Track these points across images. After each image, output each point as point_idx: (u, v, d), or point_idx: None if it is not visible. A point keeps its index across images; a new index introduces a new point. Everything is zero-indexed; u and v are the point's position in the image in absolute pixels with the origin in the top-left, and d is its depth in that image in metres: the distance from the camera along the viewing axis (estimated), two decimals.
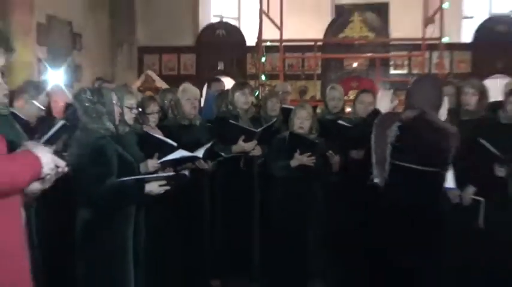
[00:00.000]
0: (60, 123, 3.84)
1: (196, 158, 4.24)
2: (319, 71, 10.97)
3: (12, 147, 2.41)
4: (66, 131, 3.82)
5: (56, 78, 7.91)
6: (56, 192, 2.67)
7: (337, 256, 5.11)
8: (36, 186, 2.29)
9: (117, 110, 3.55)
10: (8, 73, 7.30)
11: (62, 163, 2.29)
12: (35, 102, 4.11)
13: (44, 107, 4.10)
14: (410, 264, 3.30)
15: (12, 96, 4.12)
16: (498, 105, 5.35)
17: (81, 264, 3.43)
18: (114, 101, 3.51)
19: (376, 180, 3.43)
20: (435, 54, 9.26)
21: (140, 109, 4.26)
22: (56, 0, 9.44)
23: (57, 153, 2.61)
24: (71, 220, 3.46)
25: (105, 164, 3.30)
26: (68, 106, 4.32)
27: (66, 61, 9.41)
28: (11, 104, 4.04)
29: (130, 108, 3.90)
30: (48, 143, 3.39)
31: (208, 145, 4.36)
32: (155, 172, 3.88)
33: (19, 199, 2.28)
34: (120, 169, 3.35)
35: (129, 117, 3.89)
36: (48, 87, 4.48)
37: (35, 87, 4.16)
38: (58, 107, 4.37)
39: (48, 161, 2.21)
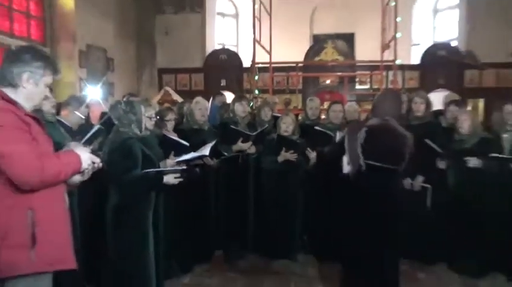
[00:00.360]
0: (96, 127, 3.85)
1: (204, 156, 4.21)
2: (300, 87, 11.00)
3: (58, 147, 2.42)
4: (101, 134, 3.82)
5: (94, 93, 7.92)
6: (93, 184, 2.71)
7: (315, 229, 5.14)
8: (77, 178, 2.31)
9: (144, 119, 3.56)
10: (56, 89, 7.38)
11: (97, 160, 2.31)
12: (77, 112, 4.10)
13: (84, 116, 4.09)
14: (375, 234, 3.29)
15: (59, 107, 4.14)
16: (440, 112, 5.41)
17: (111, 240, 3.44)
18: (142, 112, 3.52)
19: (345, 171, 3.40)
20: (391, 73, 9.31)
21: (158, 117, 4.28)
22: (93, 33, 9.45)
23: (94, 152, 2.63)
24: (104, 206, 3.48)
25: (132, 159, 3.32)
26: (103, 115, 4.31)
27: (102, 80, 9.41)
28: (58, 113, 4.04)
29: (150, 118, 3.92)
30: (86, 143, 3.41)
31: (212, 143, 4.34)
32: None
33: (63, 188, 2.29)
34: (144, 163, 3.37)
35: (149, 124, 3.91)
36: (88, 101, 4.48)
37: (77, 100, 4.14)
38: (95, 115, 4.36)
39: (86, 158, 2.23)
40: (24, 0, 7.93)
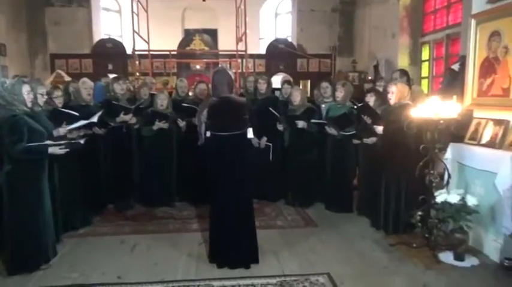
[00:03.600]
0: None
1: (92, 123, 4.00)
2: (175, 70, 10.64)
3: None
4: None
5: None
6: None
7: (188, 180, 5.10)
8: None
9: (28, 97, 3.15)
10: None
11: None
12: None
13: None
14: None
15: None
16: (278, 89, 5.61)
17: (7, 204, 3.08)
18: (25, 91, 3.11)
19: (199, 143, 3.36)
20: (244, 60, 9.39)
21: (48, 95, 3.85)
22: None
23: None
24: None
25: (18, 133, 2.98)
26: None
27: None
28: None
29: (42, 95, 3.52)
30: None
31: (99, 113, 4.10)
32: (64, 136, 3.59)
33: None
34: (31, 136, 3.04)
35: (41, 100, 3.52)
36: None
37: None
38: None
39: None
40: None
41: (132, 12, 8.55)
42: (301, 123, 4.73)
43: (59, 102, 4.07)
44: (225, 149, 3.26)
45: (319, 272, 3.21)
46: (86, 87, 4.48)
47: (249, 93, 5.19)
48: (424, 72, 7.94)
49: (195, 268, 3.31)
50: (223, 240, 3.31)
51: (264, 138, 4.90)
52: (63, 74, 9.06)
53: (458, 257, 3.34)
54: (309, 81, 10.85)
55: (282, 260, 3.44)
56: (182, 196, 5.17)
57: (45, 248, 3.26)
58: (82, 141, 3.50)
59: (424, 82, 7.86)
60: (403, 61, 8.14)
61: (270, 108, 4.80)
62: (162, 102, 4.83)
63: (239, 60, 9.57)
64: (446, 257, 3.38)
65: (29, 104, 3.15)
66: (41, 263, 3.22)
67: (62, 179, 3.72)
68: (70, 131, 3.70)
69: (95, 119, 3.94)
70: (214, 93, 3.38)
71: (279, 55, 10.97)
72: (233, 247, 3.29)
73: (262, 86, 5.06)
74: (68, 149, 3.24)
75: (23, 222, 3.10)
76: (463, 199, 3.37)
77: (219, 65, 10.73)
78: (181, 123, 4.84)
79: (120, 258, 3.52)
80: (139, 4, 8.72)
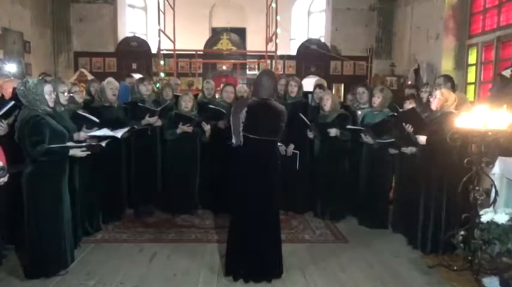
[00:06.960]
0: (11, 103, 3.54)
1: (115, 138, 3.87)
2: (200, 71, 10.80)
3: None
4: (17, 108, 3.49)
5: (10, 72, 7.14)
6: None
7: (210, 187, 5.14)
8: None
9: (50, 97, 3.24)
10: None
11: None
12: None
13: None
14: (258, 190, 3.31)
15: None
16: (310, 93, 5.60)
17: (26, 206, 3.19)
18: (47, 91, 3.20)
19: (233, 143, 3.35)
20: (273, 61, 9.41)
21: (71, 94, 3.96)
22: (10, 17, 8.45)
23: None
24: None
25: (38, 134, 3.09)
26: (15, 90, 3.89)
27: (19, 61, 8.51)
28: None
29: (63, 93, 3.63)
30: (2, 117, 3.20)
31: (127, 128, 4.14)
32: (84, 141, 3.64)
33: None
34: (53, 137, 3.16)
35: (63, 99, 3.63)
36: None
37: None
38: (8, 92, 3.92)
39: None
40: None
41: (159, 9, 8.73)
42: (333, 132, 4.69)
43: (79, 97, 4.18)
44: (258, 154, 3.27)
45: None
46: (111, 88, 4.57)
47: (279, 97, 5.19)
48: (471, 77, 7.72)
49: (216, 282, 3.33)
50: (245, 251, 3.30)
51: (291, 146, 4.89)
52: (86, 73, 9.34)
53: (505, 283, 3.21)
54: (342, 85, 10.79)
55: (309, 278, 3.42)
56: (204, 204, 5.21)
57: (64, 253, 3.35)
58: (104, 144, 3.58)
59: (470, 88, 7.65)
60: (446, 65, 7.96)
61: (300, 114, 4.78)
62: (187, 104, 4.91)
63: (268, 62, 9.61)
64: (491, 282, 3.26)
65: (51, 104, 3.25)
66: (60, 268, 3.33)
67: (80, 182, 3.84)
68: (91, 138, 3.76)
69: (119, 134, 3.89)
70: (255, 94, 3.38)
71: (311, 56, 10.93)
72: (256, 259, 3.29)
73: (294, 89, 5.05)
74: (89, 152, 3.33)
75: (42, 225, 3.20)
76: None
77: (246, 66, 11.04)
78: (206, 127, 4.90)
79: (139, 267, 3.58)
80: (166, 1, 8.89)
